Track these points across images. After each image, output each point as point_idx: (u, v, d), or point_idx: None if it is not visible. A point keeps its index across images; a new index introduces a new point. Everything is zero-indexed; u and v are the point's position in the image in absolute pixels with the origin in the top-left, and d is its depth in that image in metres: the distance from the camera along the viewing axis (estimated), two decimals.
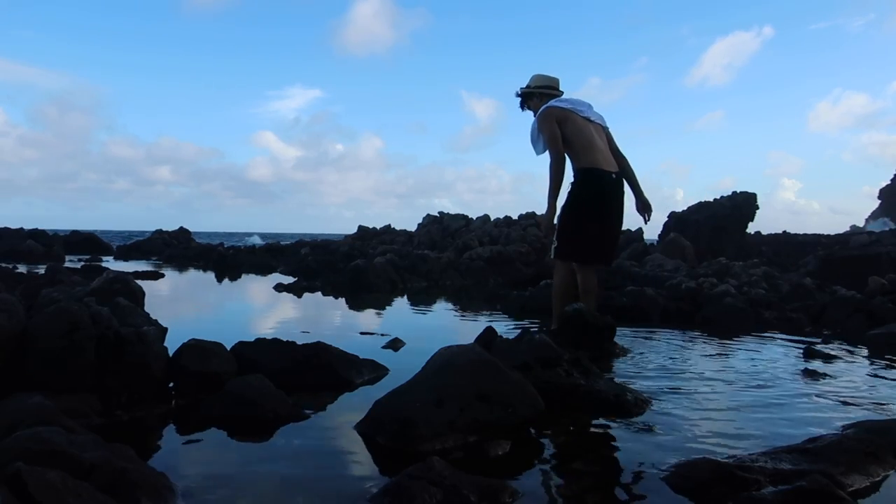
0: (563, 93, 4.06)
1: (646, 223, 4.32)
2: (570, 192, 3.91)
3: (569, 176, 3.94)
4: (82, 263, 11.84)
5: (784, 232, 21.93)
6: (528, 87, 4.05)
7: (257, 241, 30.05)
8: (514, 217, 19.87)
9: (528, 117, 4.47)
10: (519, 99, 4.11)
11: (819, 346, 4.65)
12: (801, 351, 4.55)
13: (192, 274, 12.35)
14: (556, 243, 3.87)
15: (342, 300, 7.85)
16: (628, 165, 4.05)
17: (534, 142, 4.03)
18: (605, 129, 3.94)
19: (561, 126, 3.78)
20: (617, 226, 3.93)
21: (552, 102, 3.89)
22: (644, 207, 4.24)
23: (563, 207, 3.88)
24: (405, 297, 8.65)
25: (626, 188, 4.08)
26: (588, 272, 3.96)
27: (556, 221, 3.94)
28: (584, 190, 3.83)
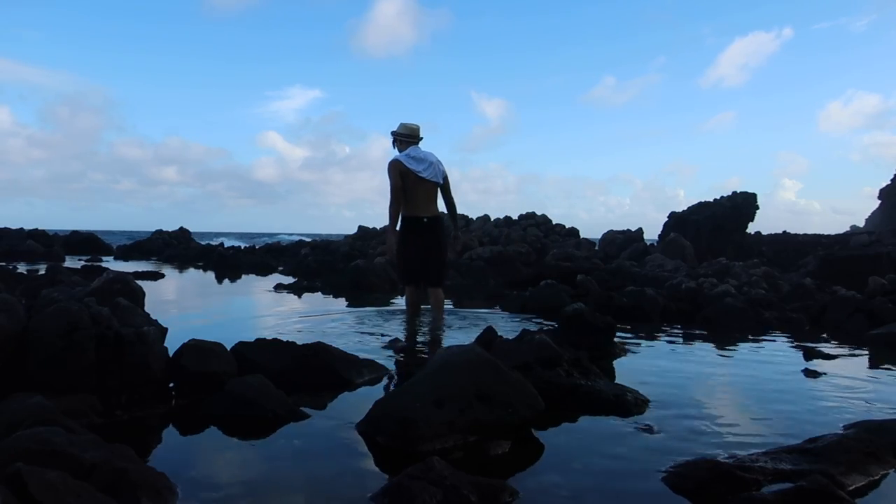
0: (421, 139, 5.37)
1: (456, 254, 6.09)
2: (398, 233, 5.33)
3: None
4: (82, 263, 11.84)
5: (784, 232, 21.93)
6: (396, 132, 5.38)
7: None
8: (514, 217, 19.90)
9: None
10: (392, 137, 5.42)
11: (819, 346, 4.65)
12: (801, 351, 4.56)
13: (193, 274, 12.35)
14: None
15: (342, 300, 7.86)
16: (454, 209, 5.73)
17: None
18: (436, 184, 5.30)
19: (402, 179, 5.19)
20: (435, 254, 5.34)
21: (401, 157, 5.21)
22: (455, 240, 5.83)
23: (397, 245, 5.33)
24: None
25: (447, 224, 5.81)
26: (431, 291, 5.42)
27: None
28: (403, 230, 5.34)
